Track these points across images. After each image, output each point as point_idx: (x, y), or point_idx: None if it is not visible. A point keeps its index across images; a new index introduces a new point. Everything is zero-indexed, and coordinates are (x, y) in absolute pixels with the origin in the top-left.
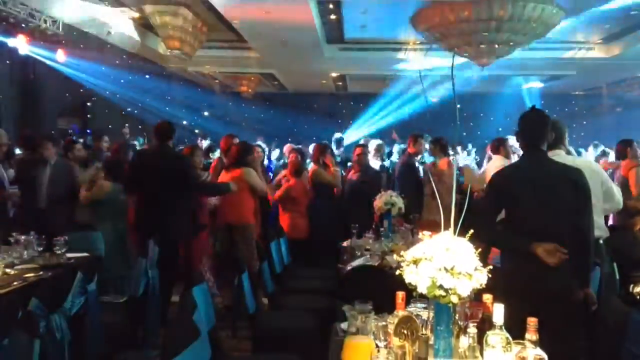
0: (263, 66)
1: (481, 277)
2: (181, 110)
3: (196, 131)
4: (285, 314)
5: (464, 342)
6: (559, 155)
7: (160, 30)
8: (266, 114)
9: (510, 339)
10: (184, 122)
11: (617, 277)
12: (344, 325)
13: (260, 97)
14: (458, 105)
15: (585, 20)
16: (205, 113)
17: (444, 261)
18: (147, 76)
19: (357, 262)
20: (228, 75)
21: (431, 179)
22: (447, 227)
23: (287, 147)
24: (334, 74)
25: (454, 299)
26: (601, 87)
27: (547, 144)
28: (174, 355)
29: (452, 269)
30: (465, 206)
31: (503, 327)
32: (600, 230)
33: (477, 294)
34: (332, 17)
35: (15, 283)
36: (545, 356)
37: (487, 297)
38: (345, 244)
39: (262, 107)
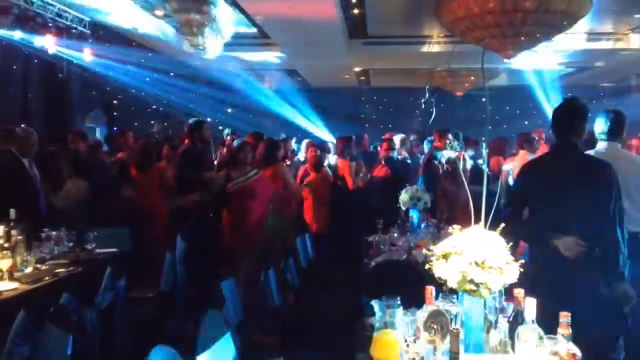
0: (285, 62)
1: (512, 271)
2: (205, 106)
3: (225, 130)
4: (311, 308)
5: (495, 336)
6: (614, 149)
7: (184, 27)
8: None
9: (543, 333)
10: (209, 119)
11: None
12: (371, 320)
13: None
14: (484, 99)
15: (613, 11)
16: (229, 110)
17: (474, 255)
18: (171, 73)
19: (382, 257)
20: (251, 72)
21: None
22: (467, 221)
23: (305, 142)
24: (357, 69)
25: (485, 293)
26: (629, 78)
27: (579, 136)
28: (203, 349)
29: (483, 263)
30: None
31: (535, 322)
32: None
33: (507, 288)
34: (355, 11)
35: (46, 278)
36: (578, 351)
37: (519, 292)
38: (370, 238)
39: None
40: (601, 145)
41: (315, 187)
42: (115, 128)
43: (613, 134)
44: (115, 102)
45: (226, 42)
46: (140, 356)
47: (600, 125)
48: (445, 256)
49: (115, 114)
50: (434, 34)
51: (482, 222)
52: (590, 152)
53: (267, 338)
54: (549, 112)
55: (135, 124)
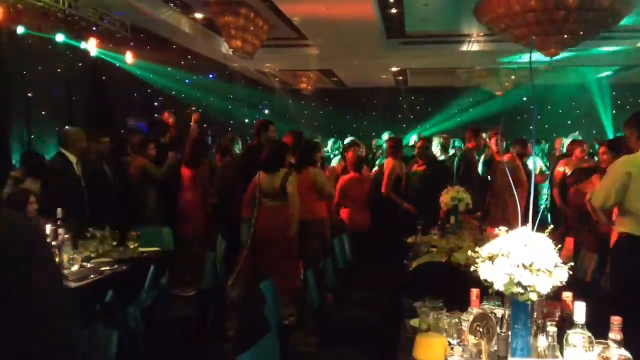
0: (322, 62)
1: (562, 274)
2: (243, 108)
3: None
4: (350, 309)
5: (542, 341)
6: None
7: (222, 30)
8: (325, 109)
9: (593, 338)
10: (246, 120)
11: None
12: (413, 322)
13: (320, 93)
14: (524, 98)
15: None
16: (266, 111)
17: (522, 257)
18: (210, 76)
19: (423, 259)
20: (288, 73)
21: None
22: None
23: (346, 141)
24: (394, 69)
25: (533, 296)
26: None
27: None
28: (246, 349)
29: (530, 265)
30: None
31: (584, 326)
32: None
33: (555, 292)
34: (393, 10)
35: (92, 276)
36: (630, 356)
37: (567, 295)
38: (410, 240)
39: (321, 103)
40: None
41: (352, 186)
42: (155, 129)
43: None
44: (155, 103)
45: (264, 43)
46: (183, 353)
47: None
48: (491, 258)
49: (156, 115)
50: (474, 33)
51: (529, 224)
52: (632, 156)
53: (308, 338)
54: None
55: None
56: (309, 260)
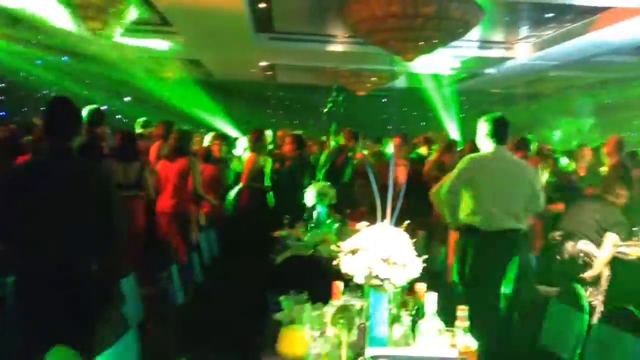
0: (189, 52)
1: (416, 266)
2: (100, 93)
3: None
4: (216, 305)
5: (398, 330)
6: (501, 151)
7: (80, 10)
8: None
9: (443, 326)
10: (104, 107)
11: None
12: (278, 316)
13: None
14: (384, 100)
15: (503, 21)
16: (128, 98)
17: (380, 251)
18: (65, 57)
19: (288, 253)
20: (153, 60)
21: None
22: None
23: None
24: (263, 63)
25: (390, 288)
26: (517, 85)
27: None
28: (104, 349)
29: (388, 258)
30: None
31: (435, 315)
32: (521, 222)
33: (410, 283)
34: (262, 5)
35: None
36: (474, 343)
37: (421, 286)
38: (276, 234)
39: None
40: (488, 148)
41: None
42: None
43: (499, 137)
44: (2, 84)
45: (125, 27)
46: None
47: (485, 129)
48: (353, 252)
49: (2, 98)
50: (339, 34)
51: (387, 219)
52: (478, 154)
53: (170, 336)
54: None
55: (24, 109)
56: (174, 255)
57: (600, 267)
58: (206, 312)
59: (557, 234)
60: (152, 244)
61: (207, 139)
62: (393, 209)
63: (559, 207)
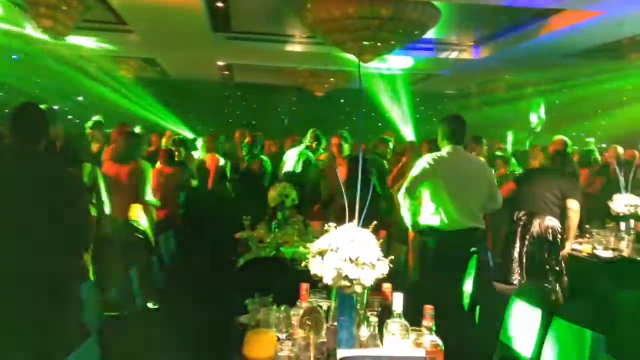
0: (144, 50)
1: (383, 267)
2: (52, 93)
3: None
4: (178, 308)
5: (364, 331)
6: (458, 151)
7: (31, 7)
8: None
9: (409, 326)
10: (55, 107)
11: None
12: (243, 319)
13: (141, 82)
14: (342, 100)
15: (457, 24)
16: (80, 98)
17: (349, 252)
18: (14, 56)
19: (250, 255)
20: (107, 59)
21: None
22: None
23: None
24: (220, 63)
25: (358, 288)
26: (471, 87)
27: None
28: (64, 356)
29: (356, 259)
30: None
31: (402, 315)
32: (480, 221)
33: (376, 284)
34: (219, 4)
35: None
36: (440, 342)
37: (387, 286)
38: (238, 235)
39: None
40: (446, 148)
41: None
42: None
43: (457, 137)
44: None
45: (78, 25)
46: None
47: (445, 130)
48: (321, 253)
49: None
50: (297, 34)
51: (355, 220)
52: (436, 154)
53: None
54: (398, 115)
55: None
56: (133, 258)
57: (573, 234)
58: (168, 317)
59: (521, 214)
60: None
61: (166, 140)
62: (361, 210)
63: (510, 186)
